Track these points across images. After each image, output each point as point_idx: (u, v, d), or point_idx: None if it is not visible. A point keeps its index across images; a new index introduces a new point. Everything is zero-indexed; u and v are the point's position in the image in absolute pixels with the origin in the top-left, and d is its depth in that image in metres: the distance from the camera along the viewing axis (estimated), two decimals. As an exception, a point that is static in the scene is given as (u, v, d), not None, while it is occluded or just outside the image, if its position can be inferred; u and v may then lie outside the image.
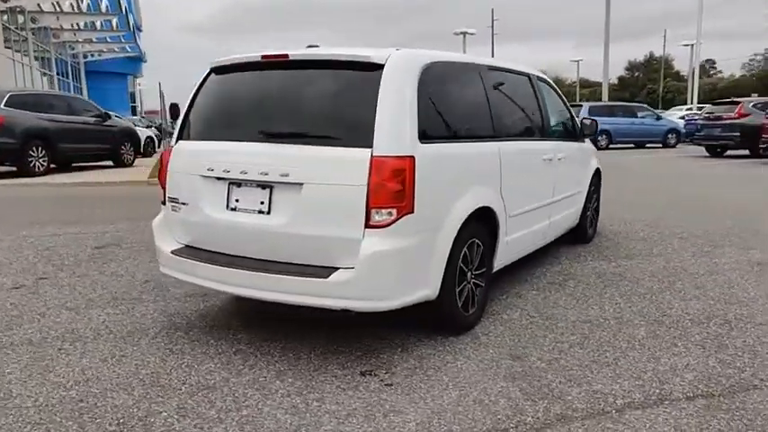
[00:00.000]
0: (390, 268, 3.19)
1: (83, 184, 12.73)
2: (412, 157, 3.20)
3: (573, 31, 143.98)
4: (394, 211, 3.15)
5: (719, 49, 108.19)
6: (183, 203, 3.72)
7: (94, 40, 36.21)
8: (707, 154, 19.84)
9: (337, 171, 3.22)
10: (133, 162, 16.69)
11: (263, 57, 3.60)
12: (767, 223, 7.42)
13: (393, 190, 3.13)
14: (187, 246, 3.78)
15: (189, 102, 3.90)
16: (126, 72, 45.76)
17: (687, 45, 51.85)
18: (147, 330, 3.95)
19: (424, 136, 3.34)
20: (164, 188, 3.88)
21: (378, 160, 3.13)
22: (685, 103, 43.93)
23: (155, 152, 22.59)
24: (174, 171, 3.81)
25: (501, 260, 4.25)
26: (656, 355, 3.47)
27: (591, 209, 6.36)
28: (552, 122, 5.25)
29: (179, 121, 3.93)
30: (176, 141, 3.88)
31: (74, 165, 15.65)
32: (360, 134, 3.21)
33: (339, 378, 3.23)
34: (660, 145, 24.47)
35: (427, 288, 3.40)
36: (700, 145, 20.24)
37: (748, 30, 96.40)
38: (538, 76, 5.18)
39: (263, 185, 3.41)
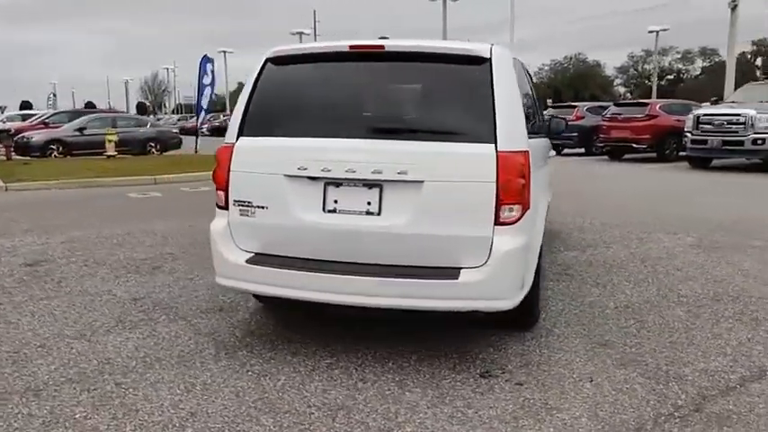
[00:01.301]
0: (517, 266, 3.16)
1: None
2: (528, 152, 3.20)
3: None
4: (519, 208, 3.12)
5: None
6: (260, 207, 3.32)
7: None
8: (547, 152, 21.85)
9: (462, 167, 3.11)
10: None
11: (352, 47, 3.36)
12: (659, 210, 8.40)
13: (519, 185, 3.10)
14: (258, 254, 3.39)
15: (248, 95, 3.48)
16: None
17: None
18: (201, 353, 3.48)
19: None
20: (224, 190, 3.43)
21: (504, 155, 3.08)
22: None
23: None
24: (240, 171, 3.38)
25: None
26: (715, 332, 3.81)
27: (546, 203, 6.77)
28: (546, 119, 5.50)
29: (236, 116, 3.51)
30: (237, 138, 3.45)
31: None
32: (479, 129, 3.14)
33: (464, 382, 3.13)
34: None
35: (529, 284, 3.41)
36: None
37: (534, 42, 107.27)
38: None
39: (369, 185, 3.18)
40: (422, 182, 3.11)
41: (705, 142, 14.68)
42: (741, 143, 13.85)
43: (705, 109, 15.86)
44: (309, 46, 3.54)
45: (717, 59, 64.53)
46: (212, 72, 22.43)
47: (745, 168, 14.49)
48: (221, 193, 3.45)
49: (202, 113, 22.35)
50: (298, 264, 3.27)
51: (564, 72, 75.50)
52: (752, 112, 13.74)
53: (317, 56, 3.51)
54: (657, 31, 45.35)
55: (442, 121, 3.30)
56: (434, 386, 3.08)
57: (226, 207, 3.44)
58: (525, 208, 3.15)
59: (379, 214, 3.18)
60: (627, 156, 18.44)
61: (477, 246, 3.09)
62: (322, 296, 3.24)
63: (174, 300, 4.45)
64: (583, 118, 20.44)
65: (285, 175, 3.27)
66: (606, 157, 18.88)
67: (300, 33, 47.88)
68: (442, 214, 3.11)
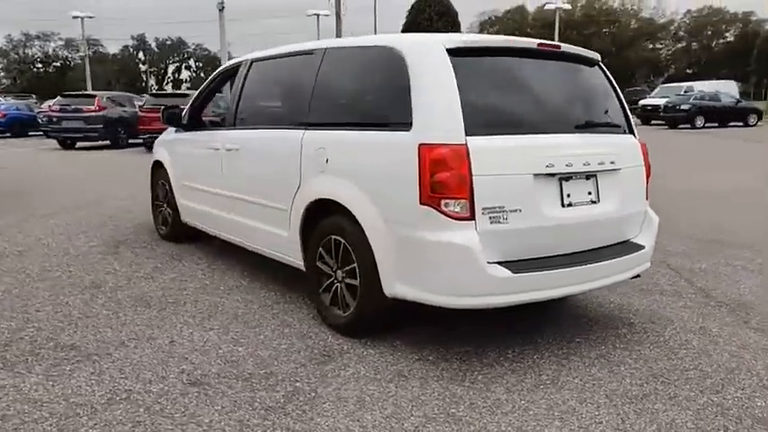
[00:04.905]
0: None
1: None
2: None
3: None
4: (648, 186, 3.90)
5: None
6: (513, 210, 3.11)
7: None
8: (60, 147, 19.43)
9: (632, 155, 3.72)
10: None
11: (540, 45, 3.52)
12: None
13: (649, 167, 3.87)
14: (509, 261, 3.14)
15: (454, 88, 3.11)
16: None
17: None
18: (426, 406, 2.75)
19: None
20: (467, 198, 3.04)
21: (642, 143, 3.84)
22: None
23: None
24: (487, 174, 3.09)
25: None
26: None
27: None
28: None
29: (447, 112, 3.09)
30: (464, 137, 3.07)
31: None
32: (623, 122, 3.84)
33: (620, 338, 3.54)
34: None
35: None
36: (56, 138, 19.59)
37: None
38: None
39: (588, 176, 3.42)
40: (620, 169, 3.57)
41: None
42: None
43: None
44: (493, 39, 3.56)
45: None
46: None
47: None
48: (460, 202, 3.04)
49: None
50: (552, 263, 3.25)
51: None
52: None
53: (506, 50, 3.50)
54: (83, 18, 42.56)
55: (609, 116, 3.82)
56: (620, 349, 3.40)
57: (471, 217, 3.03)
58: None
59: (598, 202, 3.46)
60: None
61: (639, 218, 3.76)
62: (577, 288, 3.39)
63: (209, 371, 3.06)
64: (105, 108, 19.14)
65: (534, 175, 3.21)
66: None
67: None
68: (630, 195, 3.65)
